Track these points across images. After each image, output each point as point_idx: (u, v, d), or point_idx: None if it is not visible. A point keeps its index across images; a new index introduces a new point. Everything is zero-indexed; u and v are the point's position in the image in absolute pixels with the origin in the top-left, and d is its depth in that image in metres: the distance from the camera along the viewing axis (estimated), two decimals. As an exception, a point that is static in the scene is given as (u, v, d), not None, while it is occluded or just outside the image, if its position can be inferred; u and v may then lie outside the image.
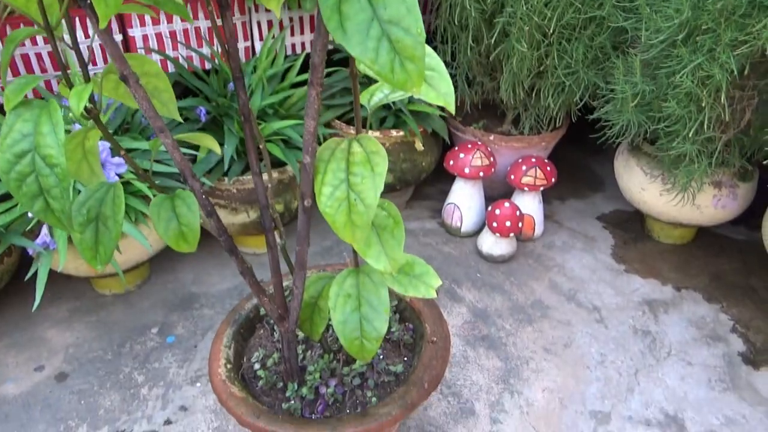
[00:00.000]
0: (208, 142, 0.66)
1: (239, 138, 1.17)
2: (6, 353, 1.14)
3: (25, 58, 1.14)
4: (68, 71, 0.52)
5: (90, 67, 1.18)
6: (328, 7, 0.44)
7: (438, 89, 0.53)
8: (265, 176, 1.13)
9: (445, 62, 1.44)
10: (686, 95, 0.98)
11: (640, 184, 1.33)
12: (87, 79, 0.53)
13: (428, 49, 0.55)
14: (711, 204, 1.26)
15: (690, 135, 1.01)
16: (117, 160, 0.98)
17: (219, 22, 1.21)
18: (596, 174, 1.79)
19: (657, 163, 1.27)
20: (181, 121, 0.63)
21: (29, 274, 1.00)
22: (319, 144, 0.80)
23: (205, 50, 1.30)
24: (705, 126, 0.99)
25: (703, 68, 0.92)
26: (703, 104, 0.95)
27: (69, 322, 1.21)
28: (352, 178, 0.57)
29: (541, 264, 1.41)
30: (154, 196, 0.63)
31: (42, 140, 0.48)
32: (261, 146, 0.66)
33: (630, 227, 1.55)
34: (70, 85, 0.52)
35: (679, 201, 1.22)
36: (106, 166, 0.99)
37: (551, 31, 1.17)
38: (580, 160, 1.84)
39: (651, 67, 1.04)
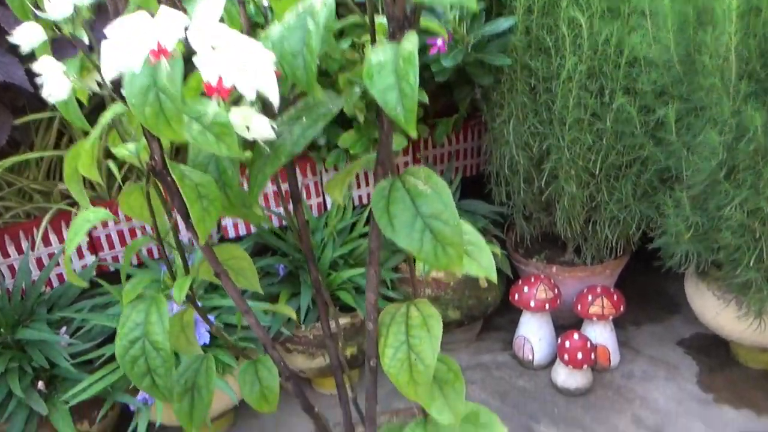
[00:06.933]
0: (286, 310, 0.75)
1: (313, 298, 1.27)
2: (104, 505, 1.21)
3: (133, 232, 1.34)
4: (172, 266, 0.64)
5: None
6: (379, 209, 0.54)
7: (480, 261, 0.60)
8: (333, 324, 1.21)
9: (500, 202, 1.53)
10: (739, 226, 1.00)
11: (714, 309, 1.30)
12: (187, 270, 0.65)
13: (468, 226, 0.63)
14: (794, 327, 1.21)
15: (752, 263, 1.02)
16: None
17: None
18: (671, 296, 1.75)
19: (728, 286, 1.25)
20: (261, 292, 0.74)
21: (131, 428, 1.09)
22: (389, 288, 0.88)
23: (282, 210, 1.46)
24: (765, 255, 0.99)
25: (749, 201, 0.95)
26: (758, 235, 0.97)
27: (161, 472, 1.28)
28: (412, 340, 0.64)
29: (621, 396, 1.37)
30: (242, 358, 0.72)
31: (151, 328, 0.59)
32: (331, 310, 0.74)
33: (714, 352, 1.48)
34: (174, 278, 0.64)
35: (757, 327, 1.19)
36: (198, 324, 1.11)
37: (598, 171, 1.24)
38: (652, 283, 1.81)
39: (699, 200, 1.07)
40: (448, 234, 0.53)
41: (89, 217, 0.59)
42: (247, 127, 0.50)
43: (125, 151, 0.57)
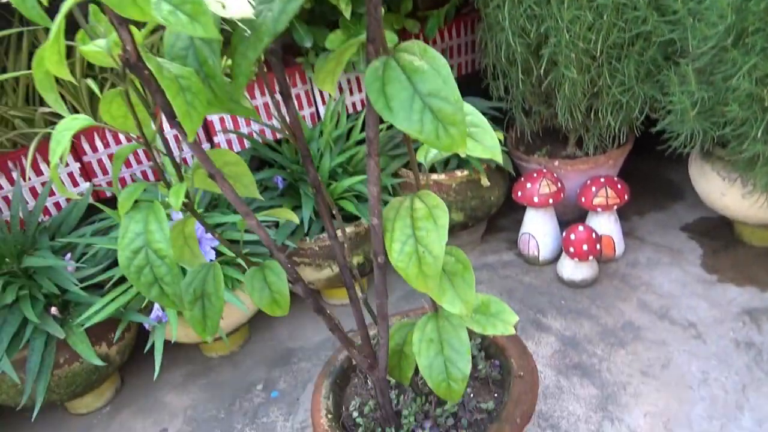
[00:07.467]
0: (287, 214, 0.74)
1: (315, 200, 1.26)
2: (134, 418, 1.26)
3: (127, 162, 1.30)
4: (165, 174, 0.62)
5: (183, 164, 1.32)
6: (374, 91, 0.51)
7: (483, 143, 0.58)
8: (340, 235, 1.21)
9: (498, 97, 1.48)
10: (747, 96, 0.96)
11: (719, 190, 1.29)
12: (181, 178, 0.62)
13: (470, 107, 0.60)
14: (800, 200, 1.20)
15: (759, 135, 0.99)
16: (211, 235, 1.08)
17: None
18: (674, 183, 1.74)
19: (733, 165, 1.23)
20: (261, 198, 0.72)
21: (147, 346, 1.11)
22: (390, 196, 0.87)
23: (276, 123, 1.42)
24: (774, 125, 0.96)
25: (759, 68, 0.91)
26: (766, 103, 0.94)
27: (184, 385, 1.33)
28: (418, 233, 0.62)
29: (626, 284, 1.39)
30: (248, 265, 0.71)
31: (152, 237, 0.57)
32: (334, 212, 0.73)
33: (718, 234, 1.49)
34: (168, 186, 0.61)
35: (763, 203, 1.18)
36: (202, 242, 1.10)
37: (599, 53, 1.18)
38: (655, 171, 1.80)
39: (706, 73, 1.03)
40: (449, 112, 0.50)
41: (70, 125, 0.55)
42: (223, 5, 0.46)
43: (95, 47, 0.53)
